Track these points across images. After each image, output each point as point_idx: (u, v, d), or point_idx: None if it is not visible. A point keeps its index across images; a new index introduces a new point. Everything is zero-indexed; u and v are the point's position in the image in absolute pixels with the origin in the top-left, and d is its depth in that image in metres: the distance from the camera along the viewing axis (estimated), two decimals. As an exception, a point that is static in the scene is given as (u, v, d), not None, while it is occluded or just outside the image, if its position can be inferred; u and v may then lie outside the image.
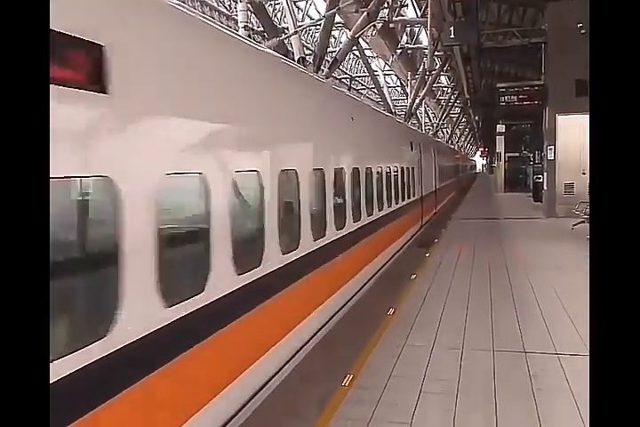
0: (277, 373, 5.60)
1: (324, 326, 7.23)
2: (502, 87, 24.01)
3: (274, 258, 5.55)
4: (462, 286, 10.08)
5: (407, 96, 29.00)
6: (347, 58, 26.84)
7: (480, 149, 77.84)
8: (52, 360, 2.75)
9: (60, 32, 2.78)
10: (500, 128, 38.29)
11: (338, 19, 17.90)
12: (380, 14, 16.01)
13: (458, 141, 64.75)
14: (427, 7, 18.63)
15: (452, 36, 16.17)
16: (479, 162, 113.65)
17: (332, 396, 5.56)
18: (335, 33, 25.72)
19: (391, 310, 8.47)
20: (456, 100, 40.45)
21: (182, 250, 4.56)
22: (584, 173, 21.25)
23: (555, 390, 5.62)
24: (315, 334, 6.90)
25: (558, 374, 6.01)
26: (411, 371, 6.12)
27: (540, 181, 26.37)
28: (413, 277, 10.92)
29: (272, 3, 22.39)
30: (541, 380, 5.85)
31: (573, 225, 17.05)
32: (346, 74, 33.30)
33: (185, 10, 4.48)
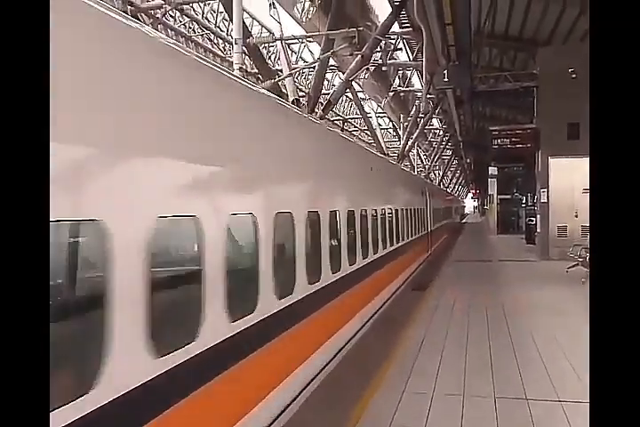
0: (276, 419, 5.39)
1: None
2: (495, 130, 24.25)
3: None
4: (460, 330, 9.90)
5: (399, 138, 29.22)
6: (340, 100, 27.12)
7: (471, 191, 78.44)
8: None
9: None
10: (493, 170, 38.56)
11: (331, 61, 18.09)
12: (373, 57, 16.18)
13: (450, 183, 65.13)
14: (420, 51, 18.89)
15: (446, 80, 16.36)
16: (470, 204, 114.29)
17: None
18: (328, 75, 26.02)
19: (389, 355, 8.27)
20: (448, 142, 40.84)
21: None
22: (576, 216, 21.35)
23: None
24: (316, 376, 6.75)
25: (562, 421, 5.83)
26: (412, 419, 5.90)
27: (533, 223, 26.43)
28: (410, 320, 10.75)
29: (266, 45, 22.67)
30: (545, 428, 5.68)
31: (568, 268, 16.96)
32: (339, 116, 33.57)
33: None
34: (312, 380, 6.66)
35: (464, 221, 76.05)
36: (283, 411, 5.59)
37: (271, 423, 5.31)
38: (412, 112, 26.78)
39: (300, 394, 6.17)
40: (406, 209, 15.36)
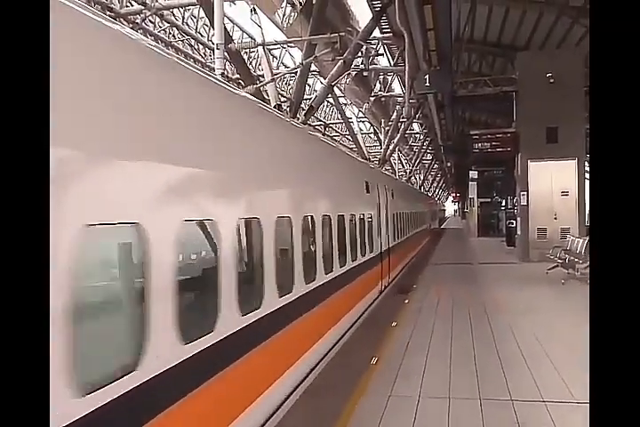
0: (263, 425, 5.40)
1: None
2: (475, 134, 24.46)
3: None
4: (444, 333, 9.97)
5: (381, 143, 29.34)
6: (321, 105, 27.17)
7: (452, 195, 78.76)
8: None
9: None
10: (473, 174, 38.82)
11: (313, 67, 18.15)
12: (354, 62, 16.27)
13: (430, 187, 65.37)
14: (401, 57, 19.02)
15: (428, 84, 16.48)
16: (450, 207, 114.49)
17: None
18: (310, 80, 26.07)
19: (374, 359, 8.30)
20: (428, 146, 41.04)
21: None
22: (555, 218, 21.60)
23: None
24: (300, 382, 6.74)
25: (546, 422, 5.90)
26: (399, 422, 5.95)
27: (513, 226, 26.66)
28: (394, 324, 10.78)
29: (247, 50, 22.68)
30: (531, 429, 5.75)
31: (548, 270, 17.15)
32: (320, 121, 33.62)
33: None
34: (299, 384, 6.68)
35: (443, 226, 71.50)
36: (268, 419, 5.60)
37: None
38: (393, 117, 26.92)
39: (286, 400, 6.19)
40: (316, 218, 7.93)
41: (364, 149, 25.05)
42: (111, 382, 3.15)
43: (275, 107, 12.62)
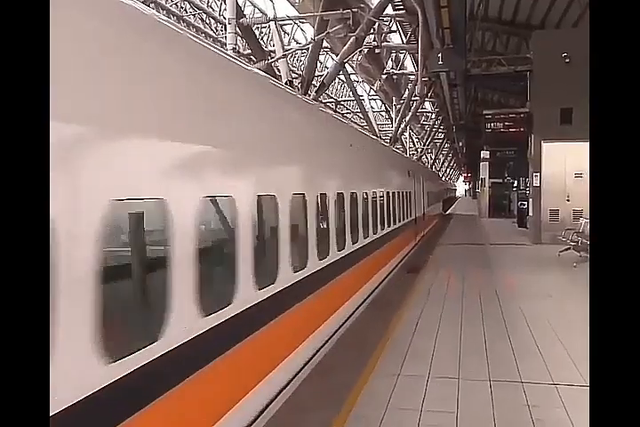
0: (269, 405, 5.37)
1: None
2: (488, 114, 24.21)
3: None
4: (454, 313, 9.92)
5: (392, 121, 29.15)
6: (332, 82, 26.95)
7: (463, 175, 78.54)
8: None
9: None
10: (485, 154, 38.56)
11: (324, 43, 17.96)
12: (366, 39, 16.09)
13: (441, 167, 65.09)
14: (414, 34, 18.78)
15: (440, 63, 16.30)
16: (462, 187, 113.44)
17: (329, 427, 5.36)
18: (321, 57, 25.84)
19: (383, 338, 8.28)
20: (440, 125, 40.77)
21: None
22: (568, 200, 21.42)
23: (554, 421, 5.46)
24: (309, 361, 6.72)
25: (557, 404, 5.85)
26: (408, 402, 5.91)
27: (525, 207, 26.50)
28: (404, 304, 10.75)
29: (259, 26, 22.45)
30: (540, 411, 5.68)
31: (560, 252, 17.04)
32: (331, 98, 33.40)
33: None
34: (306, 364, 6.64)
35: (450, 210, 55.62)
36: (277, 394, 5.58)
37: (267, 406, 5.30)
38: (405, 95, 26.71)
39: (294, 378, 6.16)
40: None
41: (375, 126, 24.92)
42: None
43: (286, 83, 12.49)
